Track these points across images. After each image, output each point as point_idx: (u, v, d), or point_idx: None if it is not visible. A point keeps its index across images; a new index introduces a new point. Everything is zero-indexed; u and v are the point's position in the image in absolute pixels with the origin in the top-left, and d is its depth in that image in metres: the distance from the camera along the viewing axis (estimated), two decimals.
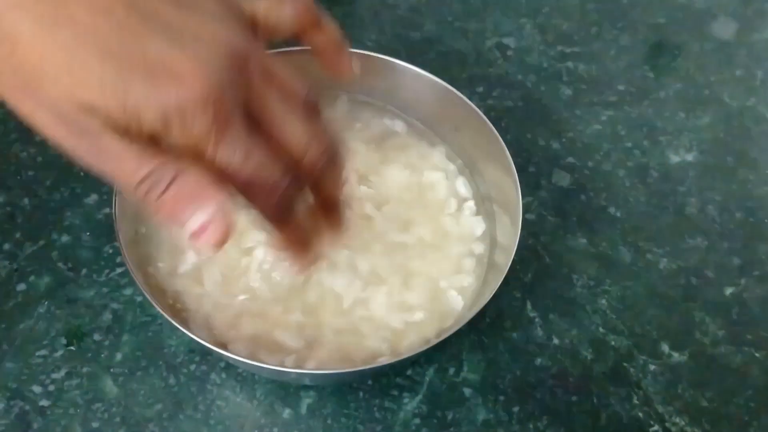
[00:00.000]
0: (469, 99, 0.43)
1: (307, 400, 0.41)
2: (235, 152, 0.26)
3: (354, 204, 0.41)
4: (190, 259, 0.40)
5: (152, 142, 0.25)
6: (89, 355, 0.41)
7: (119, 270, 0.44)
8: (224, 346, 0.37)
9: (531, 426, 0.41)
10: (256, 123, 0.27)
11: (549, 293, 0.46)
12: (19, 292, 0.43)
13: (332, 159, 0.30)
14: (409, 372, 0.42)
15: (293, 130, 0.28)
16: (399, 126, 0.48)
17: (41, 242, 0.45)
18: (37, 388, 0.40)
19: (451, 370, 0.42)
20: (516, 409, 0.41)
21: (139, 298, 0.43)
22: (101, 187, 0.47)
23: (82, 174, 0.48)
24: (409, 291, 0.40)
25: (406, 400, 0.41)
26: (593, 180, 0.52)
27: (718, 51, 0.61)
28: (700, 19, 0.63)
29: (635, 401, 0.42)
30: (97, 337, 0.42)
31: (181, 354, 0.42)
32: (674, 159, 0.53)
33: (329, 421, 0.40)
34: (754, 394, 0.43)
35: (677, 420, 0.42)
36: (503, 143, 0.42)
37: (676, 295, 0.47)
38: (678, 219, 0.50)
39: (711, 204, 0.51)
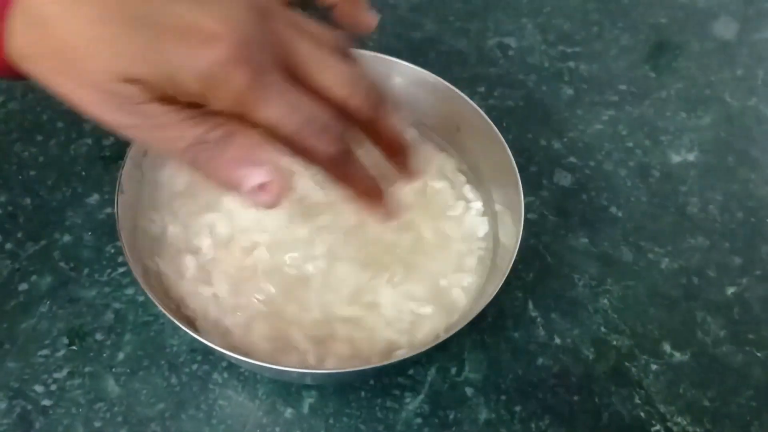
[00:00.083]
0: (471, 99, 0.43)
1: (309, 400, 0.41)
2: (280, 106, 0.26)
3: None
4: (190, 262, 0.40)
5: (196, 108, 0.25)
6: (91, 354, 0.41)
7: (121, 269, 0.45)
8: (230, 347, 0.37)
9: (533, 425, 0.41)
10: (294, 78, 0.27)
11: (550, 293, 0.46)
12: (21, 292, 0.43)
13: (378, 100, 0.29)
14: (410, 371, 0.42)
15: (333, 76, 0.27)
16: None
17: (43, 242, 0.45)
18: (39, 388, 0.40)
19: (453, 370, 0.42)
20: (518, 408, 0.41)
21: (140, 298, 0.43)
22: (103, 187, 0.48)
23: (83, 174, 0.48)
24: (414, 285, 0.40)
25: (407, 400, 0.41)
26: (595, 180, 0.52)
27: (719, 51, 0.61)
28: (702, 19, 0.63)
29: (637, 401, 0.42)
30: (99, 336, 0.42)
31: (183, 353, 0.42)
32: (675, 159, 0.53)
33: (331, 421, 0.40)
34: (755, 393, 0.43)
35: (679, 419, 0.42)
36: (505, 143, 0.42)
37: (678, 295, 0.47)
38: (679, 219, 0.50)
39: (712, 204, 0.51)
